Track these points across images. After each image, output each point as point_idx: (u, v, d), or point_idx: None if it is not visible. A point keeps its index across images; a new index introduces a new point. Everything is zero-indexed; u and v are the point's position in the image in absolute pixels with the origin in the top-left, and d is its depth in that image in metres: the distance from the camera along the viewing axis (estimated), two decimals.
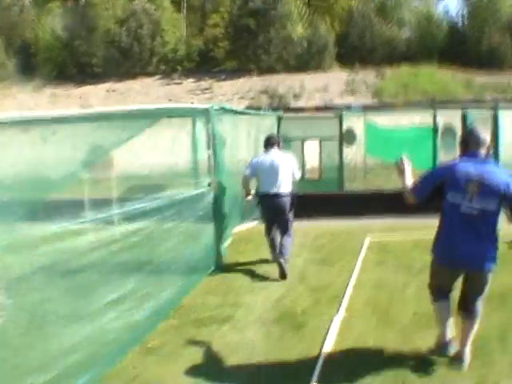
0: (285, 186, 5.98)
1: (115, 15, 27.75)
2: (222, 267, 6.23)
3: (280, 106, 19.16)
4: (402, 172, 3.76)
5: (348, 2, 32.80)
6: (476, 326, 3.60)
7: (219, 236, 6.22)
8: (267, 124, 9.21)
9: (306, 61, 26.60)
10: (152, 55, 26.82)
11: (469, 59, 26.16)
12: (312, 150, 9.73)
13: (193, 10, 33.04)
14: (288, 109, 15.30)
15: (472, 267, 3.48)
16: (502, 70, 24.75)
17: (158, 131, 6.84)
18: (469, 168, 3.41)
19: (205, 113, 5.93)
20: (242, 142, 7.98)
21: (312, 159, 9.90)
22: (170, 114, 6.03)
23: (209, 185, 5.99)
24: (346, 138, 14.20)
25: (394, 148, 11.03)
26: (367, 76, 25.55)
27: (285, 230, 6.12)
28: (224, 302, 5.18)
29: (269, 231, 6.20)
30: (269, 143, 6.23)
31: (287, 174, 6.04)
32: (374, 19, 29.45)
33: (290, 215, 6.15)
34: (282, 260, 5.76)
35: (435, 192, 3.54)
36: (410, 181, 3.70)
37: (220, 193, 6.13)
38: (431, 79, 24.60)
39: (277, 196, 5.95)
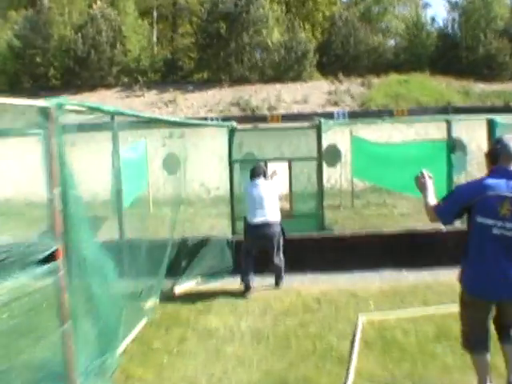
0: (271, 213, 5.96)
1: (71, 21, 24.93)
2: None
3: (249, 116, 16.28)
4: (423, 187, 3.42)
5: (330, 8, 30.51)
6: None
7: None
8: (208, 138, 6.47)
9: (284, 70, 23.99)
10: (112, 65, 23.99)
11: (463, 66, 23.97)
12: (279, 174, 6.93)
13: (161, 19, 30.45)
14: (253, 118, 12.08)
15: (509, 297, 3.14)
16: (501, 77, 22.45)
17: None
18: (500, 185, 3.13)
19: (43, 115, 3.04)
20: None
21: (279, 187, 7.08)
22: None
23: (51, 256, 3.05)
24: (328, 156, 11.53)
25: (391, 169, 8.35)
26: (352, 86, 23.07)
27: (275, 258, 6.05)
28: None
29: (247, 252, 6.07)
30: (254, 174, 6.16)
31: (274, 201, 6.07)
32: (357, 26, 27.18)
33: (279, 243, 6.11)
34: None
35: (462, 213, 3.25)
36: (433, 198, 3.36)
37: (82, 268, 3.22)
38: (424, 88, 22.25)
39: (266, 225, 5.92)
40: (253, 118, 12.86)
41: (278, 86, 22.78)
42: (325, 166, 11.54)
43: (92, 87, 23.80)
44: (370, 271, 6.52)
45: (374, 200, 11.59)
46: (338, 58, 25.89)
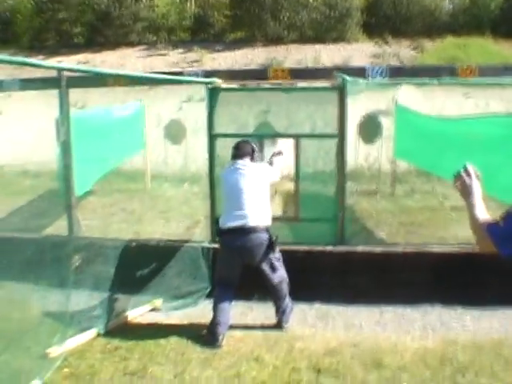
0: (256, 216, 4.03)
1: None
2: None
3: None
4: (467, 191, 2.07)
5: None
6: None
7: None
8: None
9: (325, 30, 21.38)
10: (136, 21, 21.92)
11: None
12: (282, 158, 4.79)
13: None
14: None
15: None
16: None
17: None
18: None
19: None
20: None
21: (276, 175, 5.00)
22: None
23: None
24: (366, 130, 9.26)
25: (447, 151, 6.08)
26: (401, 49, 20.33)
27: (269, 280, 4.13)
28: None
29: (220, 283, 4.21)
30: (237, 154, 4.32)
31: (262, 196, 4.14)
32: None
33: (271, 258, 4.09)
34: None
35: None
36: (482, 211, 2.01)
37: None
38: (485, 52, 19.34)
39: (244, 231, 3.99)
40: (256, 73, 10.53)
41: (317, 46, 20.26)
42: (360, 142, 9.39)
43: (115, 45, 21.91)
44: (406, 307, 4.45)
45: (419, 186, 9.28)
46: (387, 20, 23.11)
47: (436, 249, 4.66)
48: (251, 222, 4.01)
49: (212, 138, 4.92)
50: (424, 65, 18.43)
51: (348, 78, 4.55)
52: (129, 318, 4.69)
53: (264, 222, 4.08)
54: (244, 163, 4.27)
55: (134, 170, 11.63)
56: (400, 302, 4.66)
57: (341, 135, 4.89)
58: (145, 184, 10.07)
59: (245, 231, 4.01)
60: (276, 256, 4.14)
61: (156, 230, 6.59)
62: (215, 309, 4.14)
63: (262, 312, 4.70)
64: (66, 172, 5.81)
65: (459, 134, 5.49)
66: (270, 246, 4.05)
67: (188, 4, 23.99)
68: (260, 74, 9.20)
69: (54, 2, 23.75)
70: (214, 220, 4.26)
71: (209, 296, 4.85)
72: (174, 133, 9.71)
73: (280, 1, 21.50)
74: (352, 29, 21.63)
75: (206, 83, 4.70)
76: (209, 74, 4.74)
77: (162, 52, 20.70)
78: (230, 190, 4.21)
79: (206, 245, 4.99)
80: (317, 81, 4.82)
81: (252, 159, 4.34)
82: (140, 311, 4.79)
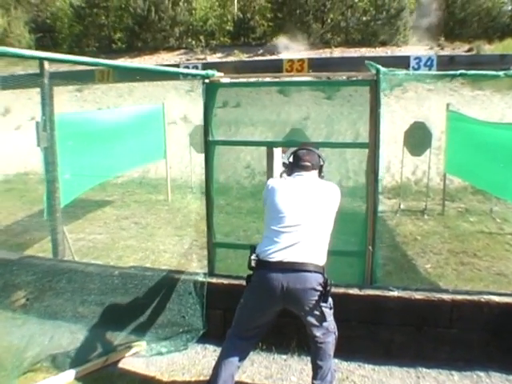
0: (313, 251, 2.89)
1: None
2: None
3: None
4: None
5: None
6: None
7: None
8: None
9: (372, 32, 20.12)
10: (174, 25, 21.32)
11: None
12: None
13: None
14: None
15: None
16: None
17: None
18: None
19: None
20: None
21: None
22: None
23: None
24: (412, 140, 8.11)
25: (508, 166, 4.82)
26: (456, 52, 18.81)
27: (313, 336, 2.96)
28: None
29: (235, 334, 3.03)
30: (301, 165, 3.18)
31: (325, 227, 2.99)
32: None
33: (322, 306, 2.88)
34: None
35: None
36: None
37: None
38: None
39: (294, 268, 2.83)
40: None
41: (363, 50, 19.03)
42: (406, 153, 8.22)
43: (154, 50, 21.41)
44: (452, 373, 3.33)
45: (474, 206, 8.00)
46: (440, 21, 21.64)
47: (495, 297, 3.48)
48: (306, 257, 2.89)
49: (210, 144, 3.94)
50: (487, 54, 16.82)
51: (382, 69, 3.47)
52: (106, 363, 3.78)
53: (321, 259, 2.96)
54: (311, 179, 3.18)
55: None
56: (444, 365, 3.53)
57: (374, 144, 3.78)
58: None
59: (296, 268, 2.88)
60: (327, 304, 2.97)
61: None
62: (218, 370, 2.99)
63: (264, 367, 3.70)
64: (48, 185, 4.99)
65: None
66: (325, 292, 2.90)
67: (229, 8, 23.34)
68: (273, 66, 8.14)
69: (92, 7, 23.54)
70: (250, 248, 2.99)
71: (200, 340, 3.90)
72: (200, 140, 8.78)
73: (324, 1, 20.42)
74: (402, 31, 20.28)
75: (202, 76, 3.73)
76: (212, 66, 3.89)
77: (200, 56, 19.99)
78: (283, 210, 3.02)
79: (200, 278, 4.00)
80: (342, 74, 3.73)
81: (320, 174, 3.29)
82: (119, 355, 3.87)
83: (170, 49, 21.37)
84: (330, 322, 2.98)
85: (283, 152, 4.14)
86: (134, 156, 7.09)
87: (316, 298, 2.83)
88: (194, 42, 21.16)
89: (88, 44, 24.06)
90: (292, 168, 3.22)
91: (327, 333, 2.97)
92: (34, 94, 5.48)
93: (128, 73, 4.23)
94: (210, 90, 3.78)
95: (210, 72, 3.74)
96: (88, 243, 6.88)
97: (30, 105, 13.89)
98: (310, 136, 8.08)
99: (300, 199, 3.00)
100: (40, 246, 6.30)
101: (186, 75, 4.02)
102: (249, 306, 2.98)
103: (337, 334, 3.06)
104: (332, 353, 3.05)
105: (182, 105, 13.24)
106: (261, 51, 20.12)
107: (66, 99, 16.27)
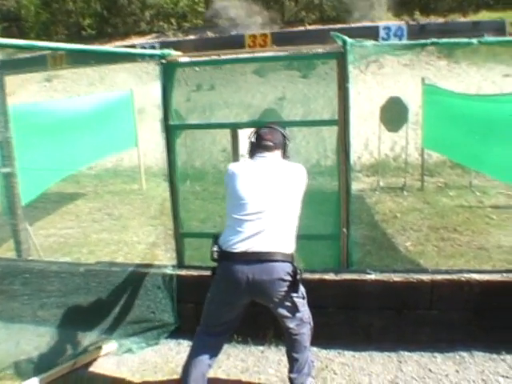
0: (279, 239, 2.66)
1: None
2: None
3: None
4: None
5: None
6: None
7: None
8: None
9: (346, 9, 19.87)
10: (144, 9, 20.80)
11: None
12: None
13: None
14: None
15: None
16: None
17: None
18: None
19: None
20: None
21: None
22: None
23: None
24: (388, 115, 7.94)
25: (488, 140, 4.69)
26: (431, 25, 18.67)
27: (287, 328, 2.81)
28: None
29: (205, 331, 2.82)
30: (263, 144, 2.94)
31: (292, 212, 2.76)
32: None
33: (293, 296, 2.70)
34: None
35: None
36: None
37: None
38: None
39: (260, 258, 2.61)
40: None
41: (337, 27, 18.79)
42: (384, 130, 8.07)
43: (125, 35, 20.89)
44: (435, 355, 3.20)
45: (454, 180, 7.89)
46: None
47: (475, 275, 3.34)
48: (272, 245, 2.66)
49: (170, 129, 3.71)
50: (459, 21, 16.66)
51: (349, 40, 3.27)
52: (74, 367, 3.58)
53: (289, 247, 2.72)
54: (274, 159, 2.94)
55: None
56: (426, 347, 3.40)
57: (344, 121, 3.59)
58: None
59: (261, 258, 2.65)
60: (299, 294, 2.76)
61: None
62: (188, 369, 2.78)
63: (240, 360, 3.54)
64: (6, 180, 4.72)
65: (505, 119, 4.14)
66: (294, 281, 2.68)
67: None
68: (235, 42, 7.90)
69: None
70: (212, 238, 2.74)
71: (171, 335, 3.73)
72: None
73: None
74: (376, 7, 20.04)
75: (158, 56, 3.48)
76: (170, 46, 3.66)
77: (173, 39, 19.55)
78: (244, 197, 2.76)
79: (169, 271, 3.80)
80: (308, 47, 3.52)
81: (284, 154, 3.03)
82: (89, 357, 3.67)
83: (142, 33, 20.84)
84: (304, 312, 2.81)
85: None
86: (102, 145, 6.82)
87: (285, 288, 2.64)
88: (165, 26, 20.68)
89: (57, 31, 23.39)
90: (254, 148, 3.00)
91: (301, 324, 2.81)
92: None
93: (82, 57, 3.96)
94: (168, 71, 3.54)
95: (165, 52, 3.49)
96: (59, 239, 6.63)
97: None
98: (287, 116, 7.88)
99: (262, 184, 2.77)
100: (8, 246, 6.02)
101: (141, 56, 3.77)
102: (215, 301, 2.78)
103: (312, 324, 2.90)
104: (308, 344, 2.89)
105: (155, 90, 12.91)
106: (234, 32, 19.73)
107: (35, 90, 15.83)
